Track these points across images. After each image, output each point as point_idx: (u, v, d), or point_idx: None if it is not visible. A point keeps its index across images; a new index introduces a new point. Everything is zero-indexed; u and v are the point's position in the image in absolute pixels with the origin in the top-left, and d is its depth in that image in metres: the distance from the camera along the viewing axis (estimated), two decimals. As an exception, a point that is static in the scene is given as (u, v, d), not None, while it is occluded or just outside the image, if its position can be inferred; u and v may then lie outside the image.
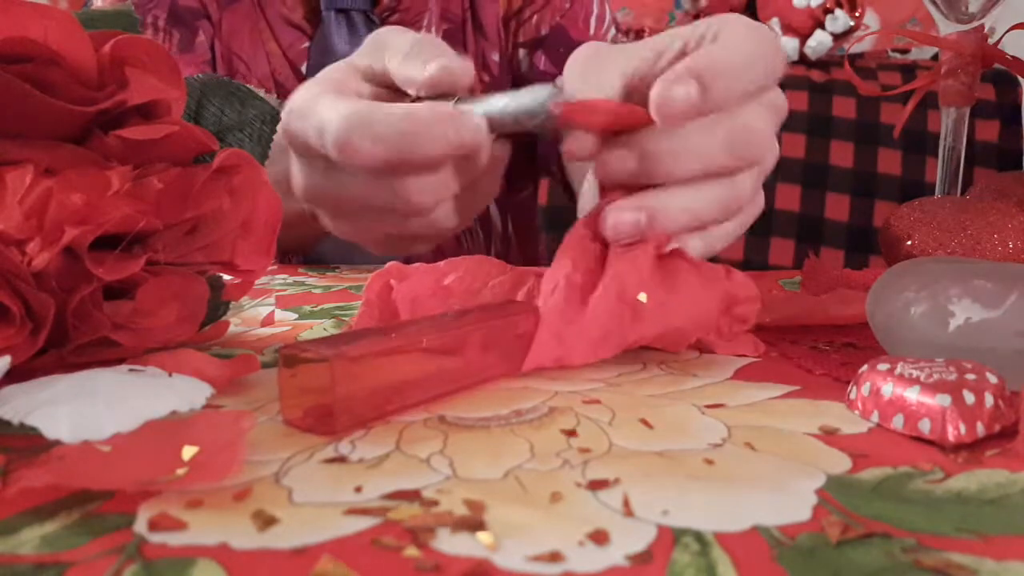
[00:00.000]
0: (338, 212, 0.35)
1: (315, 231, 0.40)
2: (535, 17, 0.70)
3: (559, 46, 0.67)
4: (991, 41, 0.44)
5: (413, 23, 0.69)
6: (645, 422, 0.20)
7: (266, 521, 0.15)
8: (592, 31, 0.70)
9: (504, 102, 0.30)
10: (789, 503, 0.15)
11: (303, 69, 0.68)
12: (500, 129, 0.30)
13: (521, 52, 0.70)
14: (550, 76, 0.64)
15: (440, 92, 0.32)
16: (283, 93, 0.65)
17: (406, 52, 0.33)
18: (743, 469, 0.17)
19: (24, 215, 0.21)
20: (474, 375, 0.23)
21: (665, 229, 0.27)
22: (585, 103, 0.28)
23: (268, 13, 0.67)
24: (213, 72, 0.66)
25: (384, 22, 0.69)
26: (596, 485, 0.16)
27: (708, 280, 0.27)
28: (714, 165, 0.27)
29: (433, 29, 0.69)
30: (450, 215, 0.33)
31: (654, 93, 0.26)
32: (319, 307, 0.37)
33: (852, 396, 0.21)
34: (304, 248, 0.58)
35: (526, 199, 0.75)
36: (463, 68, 0.32)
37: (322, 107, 0.31)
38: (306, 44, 0.68)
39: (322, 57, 0.67)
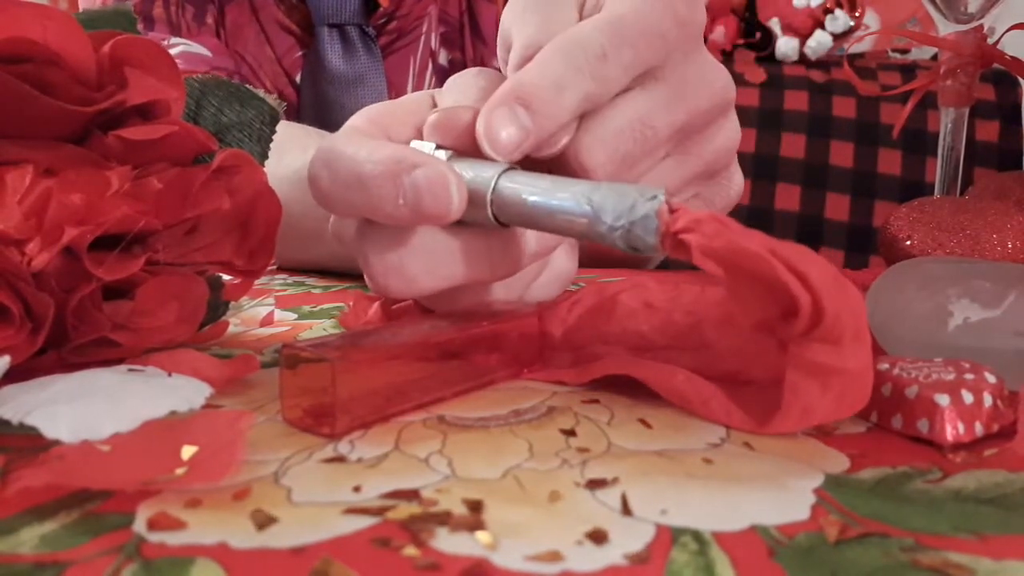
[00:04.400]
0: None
1: None
2: None
3: None
4: (990, 41, 0.44)
5: (412, 30, 0.68)
6: (644, 422, 0.20)
7: (265, 520, 0.15)
8: None
9: (573, 192, 0.20)
10: (787, 502, 0.15)
11: (297, 79, 0.67)
12: (555, 228, 0.21)
13: None
14: None
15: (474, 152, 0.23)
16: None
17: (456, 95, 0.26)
18: (741, 469, 0.17)
19: (24, 215, 0.21)
20: (476, 377, 0.23)
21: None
22: (735, 241, 0.18)
23: (262, 16, 0.65)
24: (227, 54, 0.65)
25: (380, 32, 0.68)
26: (595, 484, 0.16)
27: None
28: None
29: (433, 35, 0.68)
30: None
31: (479, 126, 0.22)
32: (319, 307, 0.37)
33: (851, 396, 0.21)
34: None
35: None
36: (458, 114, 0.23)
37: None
38: (299, 54, 0.66)
39: (316, 70, 0.65)
